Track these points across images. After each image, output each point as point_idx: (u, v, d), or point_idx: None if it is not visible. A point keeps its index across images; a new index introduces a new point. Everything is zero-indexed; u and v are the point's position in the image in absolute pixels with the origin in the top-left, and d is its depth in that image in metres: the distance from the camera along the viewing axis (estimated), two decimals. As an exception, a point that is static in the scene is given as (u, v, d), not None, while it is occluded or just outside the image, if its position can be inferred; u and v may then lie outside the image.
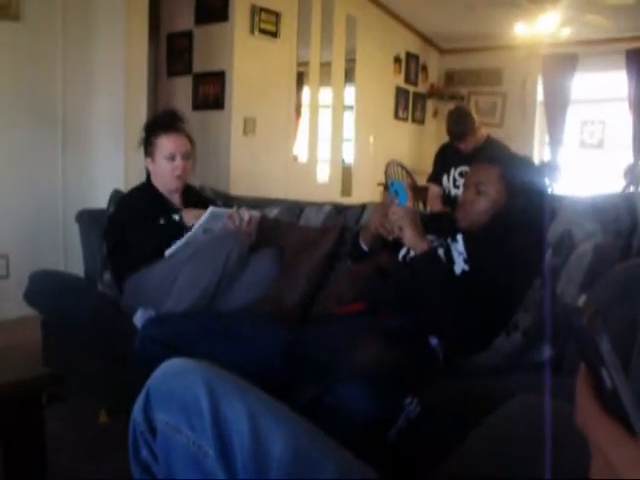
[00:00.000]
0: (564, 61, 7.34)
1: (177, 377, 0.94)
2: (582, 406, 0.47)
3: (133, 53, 4.19)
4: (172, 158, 2.64)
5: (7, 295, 3.64)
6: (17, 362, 1.85)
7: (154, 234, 2.53)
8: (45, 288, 2.73)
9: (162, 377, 0.96)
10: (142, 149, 2.73)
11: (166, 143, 2.64)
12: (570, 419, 0.50)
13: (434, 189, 4.29)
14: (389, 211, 1.86)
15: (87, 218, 3.09)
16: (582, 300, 0.48)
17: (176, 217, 2.54)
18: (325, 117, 6.48)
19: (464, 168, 3.96)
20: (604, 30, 6.49)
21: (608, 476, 0.44)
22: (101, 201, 3.29)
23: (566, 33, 6.34)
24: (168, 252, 2.47)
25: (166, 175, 2.66)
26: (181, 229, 2.49)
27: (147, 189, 2.73)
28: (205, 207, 2.50)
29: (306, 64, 6.08)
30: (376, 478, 0.91)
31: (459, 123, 4.00)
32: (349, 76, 6.72)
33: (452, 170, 4.11)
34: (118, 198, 2.98)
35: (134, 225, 2.54)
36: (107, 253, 2.78)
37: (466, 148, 4.00)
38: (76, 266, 3.27)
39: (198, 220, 2.44)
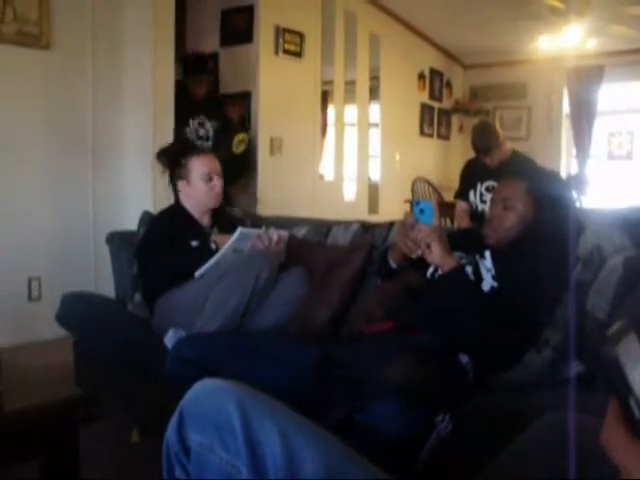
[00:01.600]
0: (590, 73, 7.30)
1: (210, 397, 0.95)
2: (608, 430, 0.47)
3: (160, 77, 4.25)
4: (209, 178, 2.69)
5: (40, 317, 3.69)
6: (50, 383, 1.88)
7: (186, 257, 2.56)
8: (76, 309, 2.76)
9: (195, 398, 0.97)
10: (167, 173, 2.78)
11: (201, 164, 2.69)
12: (596, 436, 0.49)
13: (461, 205, 4.27)
14: (415, 229, 1.86)
15: (117, 240, 3.13)
16: (614, 328, 0.47)
17: (212, 245, 2.57)
18: (351, 135, 6.50)
19: (491, 183, 3.94)
20: (630, 40, 6.44)
21: None
22: (131, 223, 3.33)
23: (591, 45, 6.31)
24: (198, 273, 2.49)
25: (204, 195, 2.70)
26: (212, 252, 2.51)
27: (177, 211, 2.77)
28: (234, 228, 2.52)
29: (330, 83, 6.12)
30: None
31: (484, 137, 4.00)
32: (374, 93, 6.74)
33: (479, 185, 4.10)
34: (148, 219, 3.02)
35: (166, 247, 2.57)
36: (138, 274, 2.81)
37: (491, 162, 4.00)
38: (107, 287, 3.31)
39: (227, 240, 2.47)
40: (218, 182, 2.71)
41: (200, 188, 2.70)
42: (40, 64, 3.85)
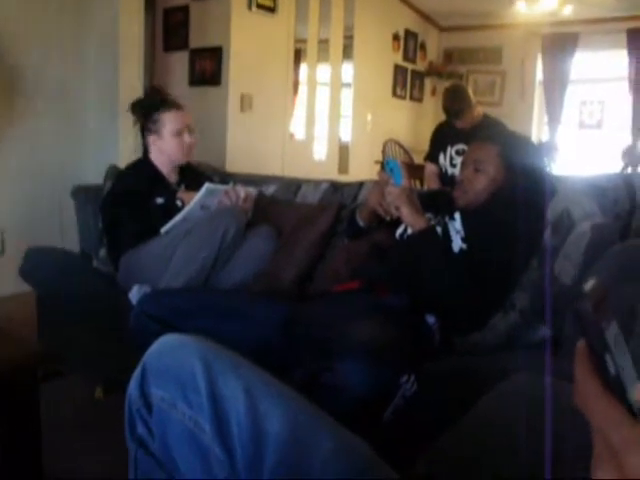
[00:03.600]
0: (565, 40, 7.29)
1: (173, 352, 0.94)
2: (583, 387, 0.46)
3: (128, 27, 4.13)
4: (180, 134, 2.64)
5: (3, 271, 3.63)
6: (12, 338, 1.84)
7: (151, 214, 2.52)
8: (40, 264, 2.72)
9: (158, 353, 0.95)
10: (138, 126, 2.72)
11: (174, 119, 2.65)
12: (568, 398, 0.49)
13: (431, 167, 4.27)
14: (385, 191, 1.85)
15: (83, 194, 3.07)
16: (590, 284, 0.47)
17: (179, 203, 2.53)
18: (323, 94, 6.43)
19: (461, 146, 3.95)
20: (606, 9, 6.44)
21: (609, 458, 0.43)
22: (96, 176, 3.27)
23: (568, 11, 6.29)
24: (164, 228, 2.46)
25: (174, 150, 2.66)
26: (178, 210, 2.48)
27: (145, 166, 2.72)
28: (201, 184, 2.49)
29: (304, 41, 6.03)
30: (371, 453, 0.91)
31: (455, 100, 3.99)
32: (347, 53, 6.66)
33: (449, 148, 4.10)
34: (115, 174, 2.96)
35: (131, 203, 2.53)
36: (103, 229, 2.76)
37: (462, 125, 3.99)
38: (72, 242, 3.25)
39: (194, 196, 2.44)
40: (189, 138, 2.67)
41: (171, 143, 2.66)
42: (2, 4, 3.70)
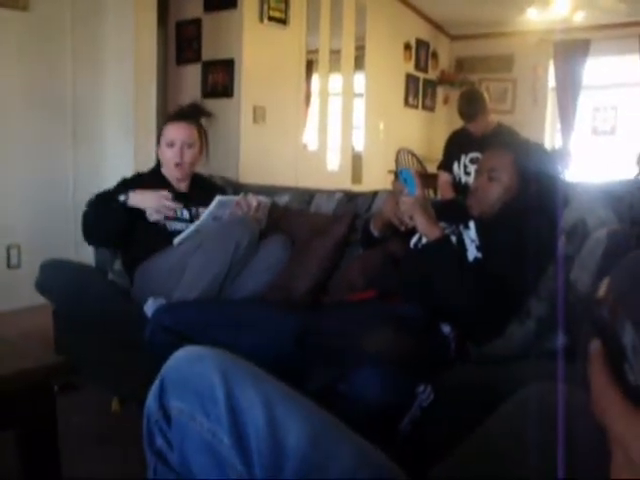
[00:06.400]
0: (576, 47, 7.27)
1: (191, 365, 0.94)
2: (601, 396, 0.46)
3: (142, 42, 4.17)
4: (171, 145, 2.64)
5: (19, 284, 3.66)
6: (29, 350, 1.85)
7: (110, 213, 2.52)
8: (56, 277, 2.74)
9: (176, 365, 0.95)
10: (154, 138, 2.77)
11: (169, 130, 2.67)
12: (585, 407, 0.48)
13: (444, 176, 4.26)
14: (399, 201, 1.85)
15: (98, 207, 3.09)
16: (603, 289, 0.46)
17: (121, 197, 2.52)
18: (335, 105, 6.45)
19: (475, 154, 3.94)
20: (617, 14, 6.42)
21: (630, 472, 0.43)
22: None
23: (579, 18, 6.27)
24: (177, 240, 2.47)
25: (166, 162, 2.69)
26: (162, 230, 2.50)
27: (154, 174, 2.74)
28: (212, 196, 2.50)
29: (315, 52, 6.05)
30: (391, 464, 0.90)
31: (471, 103, 3.99)
32: (359, 63, 6.68)
33: (462, 157, 4.09)
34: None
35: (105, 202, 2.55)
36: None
37: (476, 130, 3.99)
38: (87, 255, 3.27)
39: (207, 208, 2.45)
40: (179, 151, 2.64)
41: (165, 154, 2.68)
42: (18, 26, 3.75)
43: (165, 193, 2.55)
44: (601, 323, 0.46)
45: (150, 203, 2.53)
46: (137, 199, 2.53)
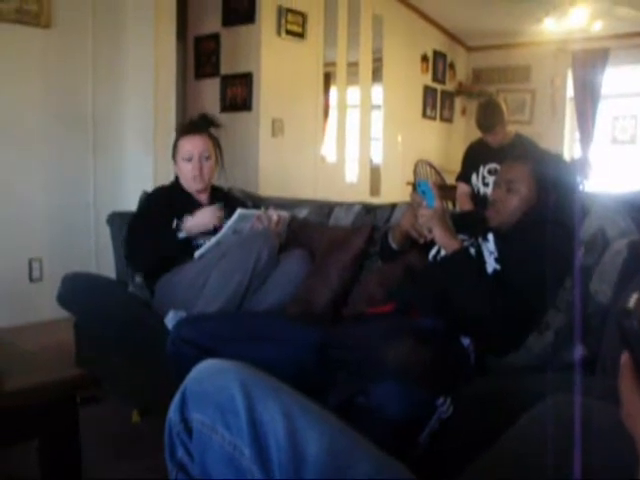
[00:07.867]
0: (595, 56, 7.24)
1: (213, 378, 0.95)
2: (631, 406, 0.46)
3: (161, 57, 4.23)
4: (189, 159, 2.66)
5: (41, 297, 3.70)
6: (51, 363, 1.88)
7: (170, 244, 2.55)
8: (77, 290, 2.76)
9: (198, 377, 0.97)
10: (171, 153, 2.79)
11: (184, 144, 2.69)
12: (607, 419, 0.49)
13: (463, 188, 4.25)
14: (418, 213, 1.86)
15: (118, 220, 3.12)
16: (633, 301, 0.46)
17: (181, 234, 2.54)
18: (353, 117, 6.47)
19: (493, 165, 3.93)
20: (636, 23, 6.38)
21: None
22: (132, 203, 3.32)
23: (597, 27, 6.25)
24: (198, 253, 2.49)
25: (185, 177, 2.70)
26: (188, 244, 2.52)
27: (174, 187, 2.76)
28: (234, 208, 2.52)
29: (333, 64, 6.08)
30: (409, 476, 0.91)
31: (489, 114, 3.98)
32: (376, 75, 6.70)
33: (481, 168, 4.08)
34: (142, 197, 3.02)
35: (151, 231, 2.57)
36: (125, 256, 2.79)
37: (494, 141, 3.98)
38: (108, 268, 3.31)
39: (227, 221, 2.47)
40: (197, 164, 2.66)
41: (182, 169, 2.70)
42: (40, 43, 3.81)
43: (216, 207, 2.60)
44: (631, 334, 0.46)
45: (209, 220, 2.56)
46: (195, 226, 2.56)
